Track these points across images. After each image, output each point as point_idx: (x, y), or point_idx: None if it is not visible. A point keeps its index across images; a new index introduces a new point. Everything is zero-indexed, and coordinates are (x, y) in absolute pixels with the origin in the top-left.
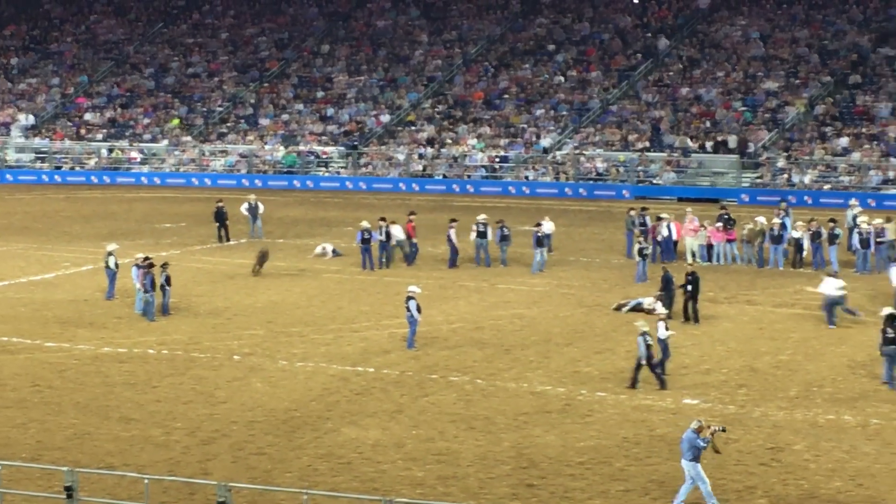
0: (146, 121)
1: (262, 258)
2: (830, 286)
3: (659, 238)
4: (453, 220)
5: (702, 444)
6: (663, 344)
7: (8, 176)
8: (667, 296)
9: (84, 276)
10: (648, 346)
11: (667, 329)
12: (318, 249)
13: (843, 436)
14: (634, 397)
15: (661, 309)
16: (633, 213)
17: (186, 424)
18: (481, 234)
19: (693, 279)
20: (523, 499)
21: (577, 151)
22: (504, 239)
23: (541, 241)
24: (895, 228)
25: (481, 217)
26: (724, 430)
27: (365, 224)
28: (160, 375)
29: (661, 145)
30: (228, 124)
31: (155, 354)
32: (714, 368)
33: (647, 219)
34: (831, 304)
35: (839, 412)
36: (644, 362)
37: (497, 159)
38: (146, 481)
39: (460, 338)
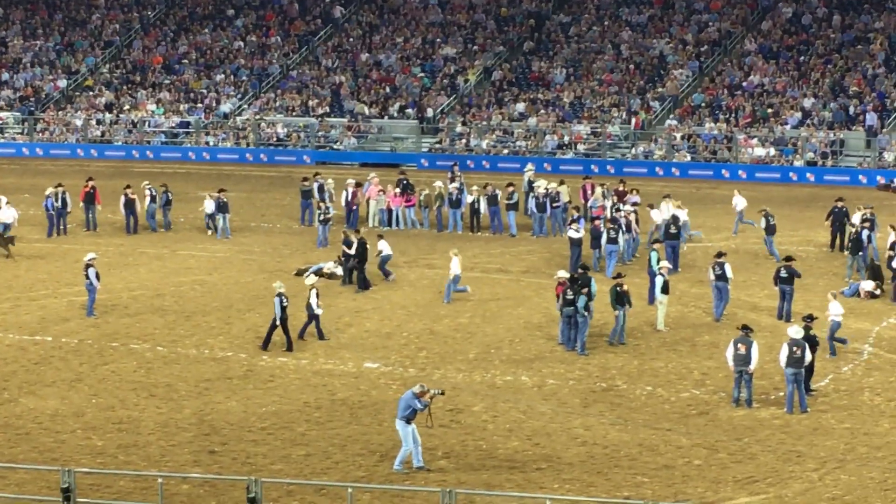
0: None
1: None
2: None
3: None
4: (128, 187)
5: (419, 405)
6: (310, 310)
7: None
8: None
9: None
10: (284, 308)
11: (318, 296)
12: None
13: (520, 396)
14: (315, 362)
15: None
16: (307, 182)
17: None
18: (153, 199)
19: (359, 245)
20: (205, 465)
21: (258, 117)
22: (168, 203)
23: (222, 206)
24: (568, 192)
25: (146, 183)
26: (443, 394)
27: (51, 191)
28: None
29: (341, 111)
30: None
31: None
32: (394, 332)
33: (325, 185)
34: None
35: (516, 373)
36: (278, 323)
37: (178, 125)
38: None
39: (141, 305)
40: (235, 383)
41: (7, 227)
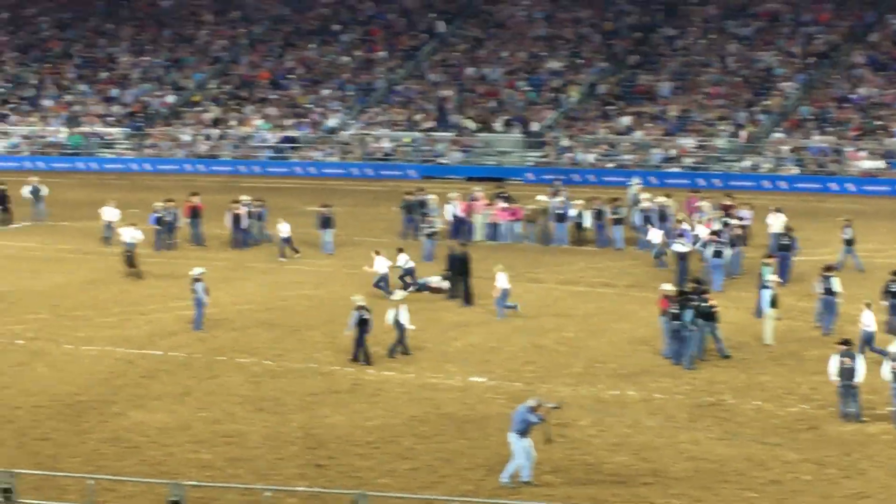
0: None
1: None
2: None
3: (449, 218)
4: (235, 202)
5: (534, 419)
6: (400, 326)
7: None
8: (454, 276)
9: None
10: (363, 321)
11: (407, 312)
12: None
13: (626, 410)
14: (421, 376)
15: (398, 295)
16: (410, 196)
17: None
18: (250, 214)
19: (457, 259)
20: (312, 479)
21: (364, 132)
22: (261, 218)
23: (326, 221)
24: (674, 205)
25: (245, 197)
26: (558, 408)
27: (159, 205)
28: None
29: (447, 125)
30: (10, 105)
31: None
32: (500, 346)
33: (429, 199)
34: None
35: (623, 388)
36: (348, 332)
37: (284, 140)
38: None
39: (248, 319)
40: (342, 397)
41: (131, 245)
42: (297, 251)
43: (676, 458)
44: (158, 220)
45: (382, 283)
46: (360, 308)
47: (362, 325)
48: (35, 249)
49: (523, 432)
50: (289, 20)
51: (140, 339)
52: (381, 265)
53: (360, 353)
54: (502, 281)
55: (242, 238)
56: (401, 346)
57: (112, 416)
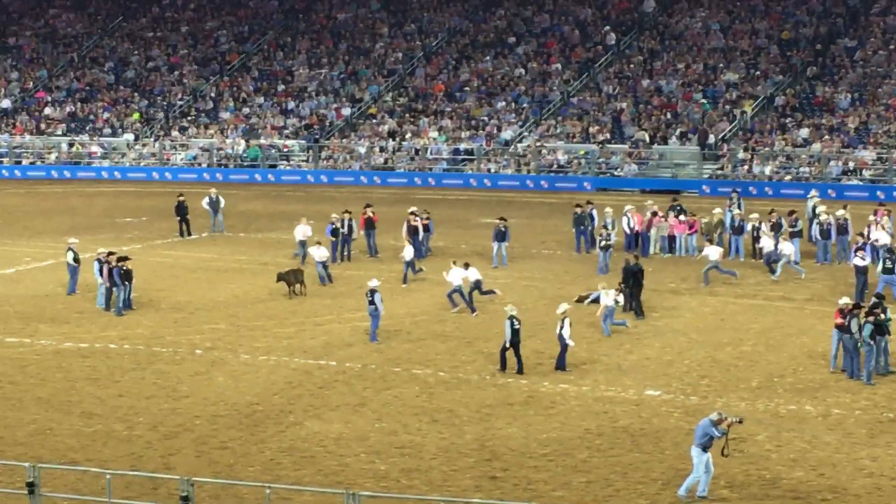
0: (106, 115)
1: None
2: None
3: (625, 230)
4: (412, 213)
5: (717, 433)
6: (562, 340)
7: None
8: (627, 287)
9: (45, 270)
10: (515, 331)
11: (570, 325)
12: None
13: (804, 426)
14: (596, 389)
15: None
16: (579, 209)
17: (149, 419)
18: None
19: (630, 272)
20: (486, 491)
21: (539, 144)
22: (428, 230)
23: (501, 235)
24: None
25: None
26: (741, 422)
27: (335, 217)
28: (122, 370)
29: (622, 137)
30: (189, 118)
31: (117, 349)
32: (676, 360)
33: (595, 212)
34: None
35: (800, 402)
36: (508, 345)
37: (458, 152)
38: (108, 476)
39: (423, 331)
40: (516, 409)
41: (324, 265)
42: (421, 269)
43: (855, 474)
44: (334, 232)
45: (456, 293)
46: (512, 318)
47: (515, 334)
48: (213, 260)
49: (706, 447)
50: (464, 32)
51: (316, 349)
52: (454, 276)
53: (503, 362)
54: (607, 298)
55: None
56: (561, 357)
57: (289, 426)
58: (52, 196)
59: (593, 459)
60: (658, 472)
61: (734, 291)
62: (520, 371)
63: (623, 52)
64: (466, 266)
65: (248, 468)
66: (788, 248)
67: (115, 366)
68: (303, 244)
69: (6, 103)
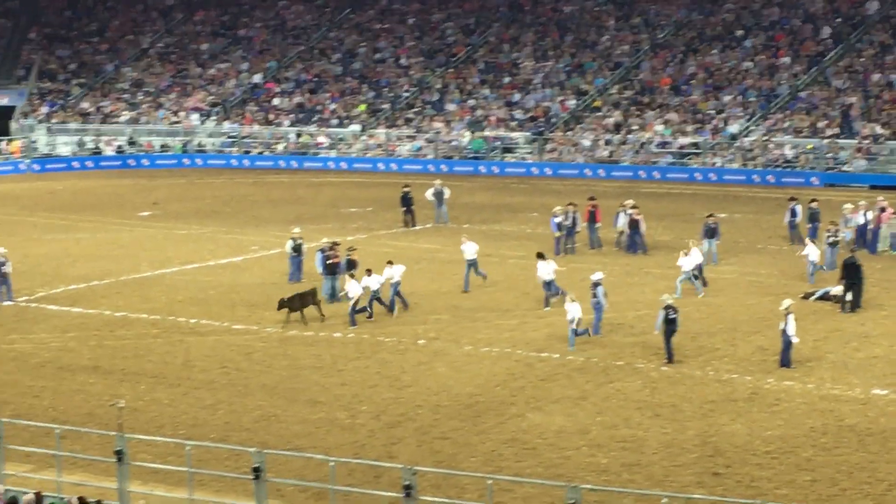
0: (333, 106)
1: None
2: None
3: (855, 225)
4: (634, 207)
5: None
6: (786, 335)
7: (198, 160)
8: (848, 283)
9: (272, 259)
10: (670, 321)
11: (794, 320)
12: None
13: None
14: (822, 386)
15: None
16: (794, 201)
17: (372, 408)
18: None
19: (851, 266)
20: (709, 487)
21: (766, 138)
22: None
23: (711, 231)
24: None
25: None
26: None
27: (559, 209)
28: (346, 359)
29: (851, 132)
30: (415, 109)
31: (341, 338)
32: None
33: (798, 208)
34: None
35: None
36: (657, 332)
37: (684, 146)
38: (332, 464)
39: (646, 325)
40: (740, 406)
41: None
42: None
43: None
44: (559, 225)
45: (548, 287)
46: (668, 308)
47: (669, 324)
48: (436, 251)
49: None
50: (692, 25)
51: (539, 341)
52: (543, 270)
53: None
54: (574, 310)
55: (636, 243)
56: (785, 354)
57: (510, 418)
58: (279, 186)
59: (818, 458)
60: (884, 473)
61: None
62: (669, 360)
63: (853, 46)
64: (542, 257)
65: (469, 459)
66: None
67: (339, 354)
68: (472, 264)
69: (257, 78)
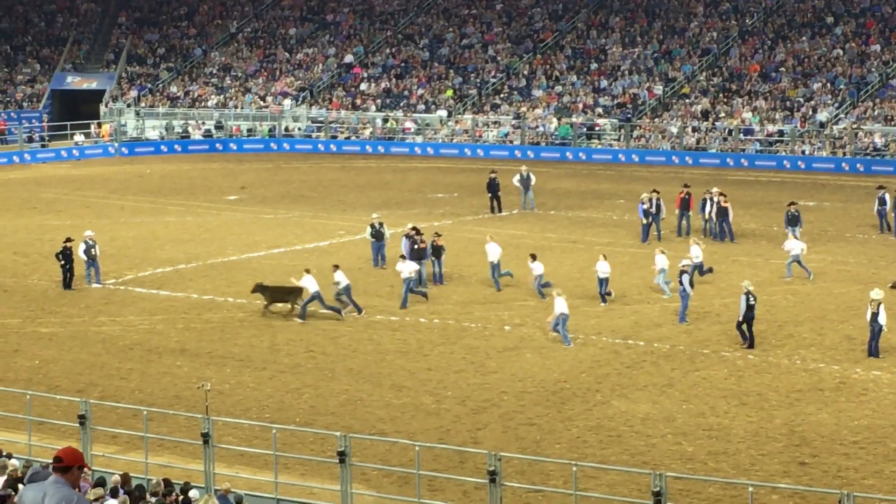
0: (420, 91)
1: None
2: None
3: None
4: (722, 195)
5: None
6: (875, 325)
7: (285, 144)
8: None
9: (358, 244)
10: (750, 307)
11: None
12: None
13: None
14: None
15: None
16: (882, 190)
17: (457, 393)
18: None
19: None
20: (795, 476)
21: (855, 126)
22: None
23: (793, 219)
24: None
25: (715, 189)
26: None
27: (645, 196)
28: (432, 344)
29: None
30: (502, 95)
31: (427, 323)
32: None
33: (887, 196)
34: None
35: None
36: (741, 319)
37: (772, 133)
38: (417, 448)
39: (732, 313)
40: (827, 395)
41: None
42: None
43: None
44: (645, 212)
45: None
46: (748, 293)
47: (749, 310)
48: (522, 237)
49: None
50: (781, 12)
51: (625, 329)
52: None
53: (744, 336)
54: (560, 305)
55: (724, 231)
56: (874, 343)
57: (596, 405)
58: (366, 171)
59: None
60: None
61: None
62: (751, 346)
63: None
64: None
65: (554, 445)
66: None
67: (425, 339)
68: (495, 267)
69: (349, 58)
